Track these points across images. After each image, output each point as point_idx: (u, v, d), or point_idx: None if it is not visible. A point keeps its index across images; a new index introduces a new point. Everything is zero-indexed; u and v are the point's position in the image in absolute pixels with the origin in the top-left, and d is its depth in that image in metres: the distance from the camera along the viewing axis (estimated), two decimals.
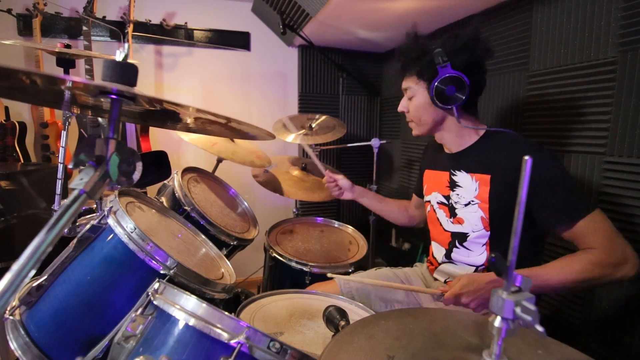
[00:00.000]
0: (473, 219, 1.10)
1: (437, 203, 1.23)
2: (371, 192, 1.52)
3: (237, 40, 2.55)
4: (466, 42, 1.06)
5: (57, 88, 0.59)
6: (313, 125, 2.08)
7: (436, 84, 1.07)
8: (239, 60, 2.58)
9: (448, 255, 1.19)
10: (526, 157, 0.46)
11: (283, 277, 1.59)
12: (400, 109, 1.23)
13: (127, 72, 0.59)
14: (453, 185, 1.17)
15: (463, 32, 1.09)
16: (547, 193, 0.97)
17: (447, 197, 1.19)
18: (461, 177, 1.14)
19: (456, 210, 1.15)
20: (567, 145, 1.35)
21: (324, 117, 2.15)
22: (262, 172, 1.97)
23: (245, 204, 1.66)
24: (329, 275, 1.25)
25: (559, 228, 0.99)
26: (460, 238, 1.15)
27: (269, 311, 1.03)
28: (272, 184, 1.92)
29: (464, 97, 1.06)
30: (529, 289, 0.49)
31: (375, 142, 2.01)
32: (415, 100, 1.17)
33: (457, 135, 1.16)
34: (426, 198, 1.30)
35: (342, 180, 1.49)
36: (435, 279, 1.26)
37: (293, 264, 1.53)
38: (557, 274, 0.94)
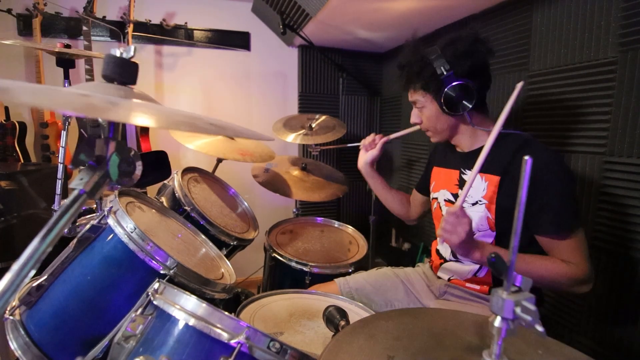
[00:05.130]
0: (478, 219, 1.10)
1: (445, 200, 1.23)
2: (381, 178, 1.51)
3: (237, 40, 2.55)
4: (466, 47, 1.05)
5: None
6: (313, 125, 2.08)
7: (443, 94, 1.06)
8: (239, 60, 2.58)
9: (454, 252, 1.20)
10: (526, 157, 0.46)
11: (283, 277, 1.59)
12: (413, 120, 1.22)
13: (127, 69, 0.59)
14: (462, 183, 1.17)
15: (461, 36, 1.07)
16: (543, 196, 0.96)
17: (456, 196, 1.19)
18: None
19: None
20: (567, 145, 1.35)
21: (324, 117, 2.15)
22: (262, 172, 1.97)
23: (245, 204, 1.66)
24: None
25: (543, 235, 0.99)
26: None
27: (269, 311, 1.03)
28: (272, 184, 1.92)
29: (473, 102, 1.06)
30: (529, 289, 0.49)
31: None
32: (425, 111, 1.16)
33: (471, 136, 1.16)
34: (433, 195, 1.29)
35: (374, 153, 1.44)
36: (439, 277, 1.26)
37: (293, 264, 1.53)
38: (539, 265, 0.97)
